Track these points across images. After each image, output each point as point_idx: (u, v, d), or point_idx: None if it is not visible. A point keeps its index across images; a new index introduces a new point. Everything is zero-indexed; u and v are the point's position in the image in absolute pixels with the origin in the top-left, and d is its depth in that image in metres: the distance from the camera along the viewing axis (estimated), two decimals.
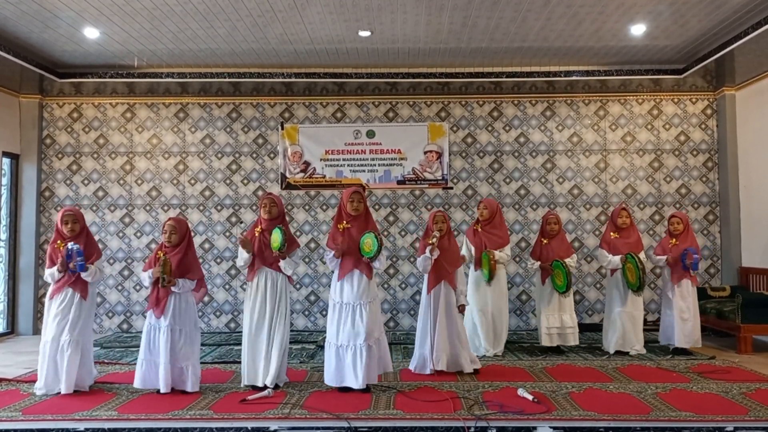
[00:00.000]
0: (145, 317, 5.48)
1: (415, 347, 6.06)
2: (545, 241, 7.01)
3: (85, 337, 5.37)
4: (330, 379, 5.31)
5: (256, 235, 5.44)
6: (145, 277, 5.34)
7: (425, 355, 5.89)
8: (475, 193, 8.95)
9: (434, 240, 5.77)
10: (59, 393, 5.17)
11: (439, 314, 5.85)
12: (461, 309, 6.00)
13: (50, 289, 5.37)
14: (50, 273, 5.34)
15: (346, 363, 5.23)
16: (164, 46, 7.59)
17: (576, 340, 6.87)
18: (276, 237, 5.28)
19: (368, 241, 5.31)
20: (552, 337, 6.85)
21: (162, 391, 5.17)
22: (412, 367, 6.03)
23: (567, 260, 6.82)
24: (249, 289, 5.46)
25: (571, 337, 6.84)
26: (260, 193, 8.99)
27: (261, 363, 5.31)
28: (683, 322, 6.83)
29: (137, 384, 5.27)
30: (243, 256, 5.40)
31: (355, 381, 5.18)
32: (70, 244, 5.26)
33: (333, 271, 5.53)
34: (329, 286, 8.78)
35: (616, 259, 6.84)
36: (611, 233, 7.01)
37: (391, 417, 4.48)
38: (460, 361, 5.89)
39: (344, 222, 5.44)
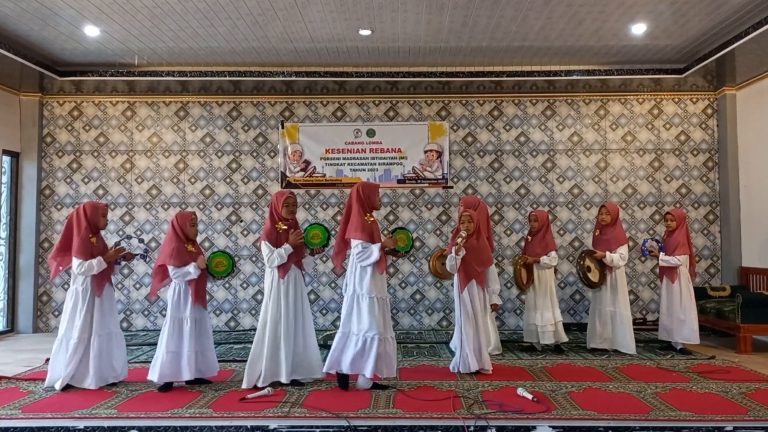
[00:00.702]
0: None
1: (459, 347, 5.90)
2: (529, 239, 7.09)
3: None
4: (389, 371, 5.24)
5: (280, 232, 5.43)
6: (191, 270, 5.45)
7: (467, 354, 5.82)
8: (475, 193, 8.95)
9: (460, 240, 5.80)
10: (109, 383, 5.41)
11: (473, 314, 5.85)
12: (494, 308, 6.01)
13: (90, 284, 5.40)
14: (97, 263, 5.38)
15: (394, 354, 5.32)
16: (164, 44, 7.58)
17: (546, 339, 6.81)
18: (321, 234, 5.44)
19: (402, 236, 5.47)
20: (531, 334, 6.91)
21: (212, 376, 5.53)
22: (459, 368, 5.87)
23: (543, 258, 6.85)
24: (277, 287, 5.38)
25: (545, 335, 6.82)
26: (260, 191, 8.99)
27: (288, 361, 5.34)
28: (662, 317, 6.99)
29: (188, 376, 5.34)
30: (287, 250, 5.37)
31: (393, 372, 5.33)
32: (135, 238, 5.80)
33: (363, 267, 5.28)
34: (329, 285, 8.86)
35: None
36: (597, 231, 7.15)
37: (391, 416, 4.48)
38: (484, 362, 5.91)
39: (369, 215, 5.39)
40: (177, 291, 5.47)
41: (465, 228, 5.90)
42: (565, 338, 6.87)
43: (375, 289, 5.24)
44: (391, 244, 5.32)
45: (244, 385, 5.30)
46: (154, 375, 5.32)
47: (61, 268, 5.53)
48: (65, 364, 5.28)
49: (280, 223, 5.46)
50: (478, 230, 6.00)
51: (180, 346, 5.36)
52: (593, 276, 6.91)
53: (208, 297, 8.78)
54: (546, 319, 6.78)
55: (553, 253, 6.88)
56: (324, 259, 8.84)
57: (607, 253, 6.86)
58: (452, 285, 6.89)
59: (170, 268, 5.41)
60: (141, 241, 6.23)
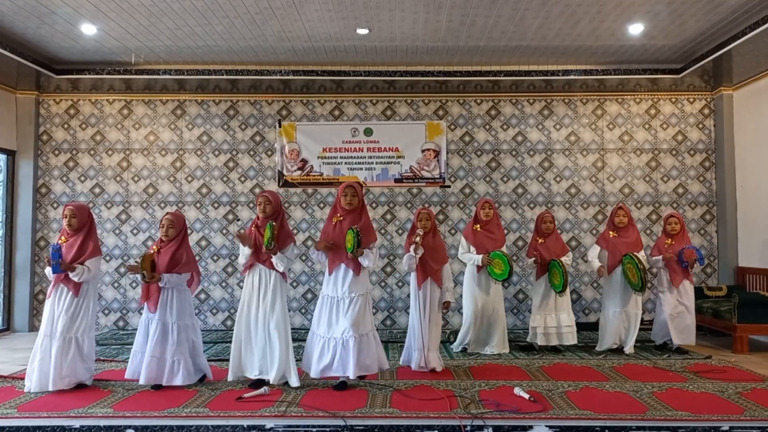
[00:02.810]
0: (140, 314, 5.52)
1: (407, 342, 6.15)
2: (540, 240, 7.05)
3: (84, 335, 5.36)
4: (313, 370, 5.29)
5: (253, 230, 5.47)
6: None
7: (412, 351, 6.00)
8: (472, 192, 8.95)
9: (418, 238, 5.81)
10: (48, 391, 5.18)
11: (428, 311, 5.92)
12: (446, 305, 6.05)
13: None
14: (48, 270, 5.37)
15: (329, 355, 5.22)
16: (162, 42, 7.57)
17: (574, 339, 6.90)
18: (266, 233, 5.29)
19: (348, 237, 5.32)
20: (549, 337, 6.87)
21: (141, 382, 5.24)
22: (401, 361, 6.15)
23: (563, 258, 6.87)
24: (244, 286, 5.50)
25: (569, 336, 6.87)
26: (257, 190, 8.98)
27: (252, 357, 5.35)
28: (682, 320, 6.88)
29: (128, 375, 5.37)
30: (244, 252, 5.43)
31: (342, 372, 5.20)
32: (51, 244, 5.25)
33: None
34: None
35: (596, 264, 6.99)
36: (610, 232, 7.06)
37: (388, 415, 4.48)
38: (435, 359, 5.96)
39: (338, 216, 5.46)
40: None
41: (422, 226, 5.95)
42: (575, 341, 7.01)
43: (325, 287, 5.44)
44: (320, 247, 5.37)
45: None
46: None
47: None
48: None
49: (255, 223, 5.51)
50: (433, 228, 6.08)
51: (141, 346, 5.39)
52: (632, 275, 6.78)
53: (204, 296, 8.83)
54: (572, 319, 6.91)
55: (570, 254, 7.06)
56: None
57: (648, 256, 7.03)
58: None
59: None
60: (53, 245, 5.32)
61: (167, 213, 5.55)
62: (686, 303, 6.92)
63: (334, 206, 5.56)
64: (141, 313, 5.55)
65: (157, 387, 5.30)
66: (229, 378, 5.39)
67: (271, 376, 5.29)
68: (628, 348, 6.85)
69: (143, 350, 5.34)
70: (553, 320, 6.87)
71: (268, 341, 5.34)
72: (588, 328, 8.41)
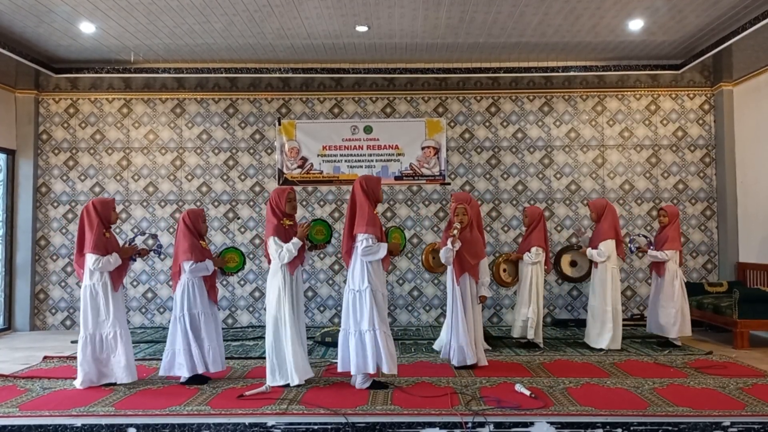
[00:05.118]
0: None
1: (447, 339, 6.02)
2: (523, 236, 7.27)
3: None
4: (390, 367, 5.10)
5: (285, 228, 5.41)
6: (208, 266, 5.53)
7: (463, 347, 5.85)
8: (472, 189, 8.95)
9: (455, 232, 5.82)
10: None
11: (468, 306, 5.91)
12: (482, 300, 6.07)
13: (107, 281, 5.36)
14: (114, 259, 5.35)
15: (391, 349, 5.21)
16: (161, 41, 7.56)
17: (529, 335, 6.83)
18: (325, 230, 5.44)
19: (398, 235, 5.53)
20: (515, 330, 7.00)
21: (222, 369, 5.57)
22: (454, 361, 5.94)
23: (525, 254, 6.95)
24: (289, 284, 5.32)
25: (521, 329, 6.91)
26: (257, 188, 8.98)
27: (305, 356, 5.38)
28: (649, 310, 7.12)
29: (199, 369, 5.39)
30: (298, 245, 5.32)
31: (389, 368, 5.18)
32: (149, 234, 5.64)
33: (364, 262, 5.19)
34: (327, 282, 8.85)
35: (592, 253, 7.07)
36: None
37: (389, 412, 4.48)
38: (479, 355, 5.94)
39: (375, 210, 5.36)
40: (188, 287, 5.48)
41: (459, 220, 5.95)
42: (531, 336, 6.85)
43: (380, 284, 5.22)
44: (393, 250, 5.29)
45: (280, 382, 5.24)
46: (182, 371, 5.36)
47: (83, 269, 5.45)
48: (102, 362, 5.32)
49: (285, 219, 5.43)
50: (470, 223, 6.06)
51: (200, 339, 5.42)
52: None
53: None
54: (521, 314, 6.91)
55: (534, 250, 6.91)
56: (321, 256, 8.84)
57: (588, 249, 7.06)
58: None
59: (188, 263, 5.41)
60: (154, 236, 6.31)
61: (202, 209, 5.78)
62: (664, 293, 6.98)
63: (367, 198, 5.26)
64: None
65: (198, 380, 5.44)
66: (298, 382, 5.17)
67: (310, 373, 5.38)
68: (591, 341, 6.90)
69: (211, 344, 5.47)
70: (517, 313, 7.00)
71: (304, 336, 5.45)
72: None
